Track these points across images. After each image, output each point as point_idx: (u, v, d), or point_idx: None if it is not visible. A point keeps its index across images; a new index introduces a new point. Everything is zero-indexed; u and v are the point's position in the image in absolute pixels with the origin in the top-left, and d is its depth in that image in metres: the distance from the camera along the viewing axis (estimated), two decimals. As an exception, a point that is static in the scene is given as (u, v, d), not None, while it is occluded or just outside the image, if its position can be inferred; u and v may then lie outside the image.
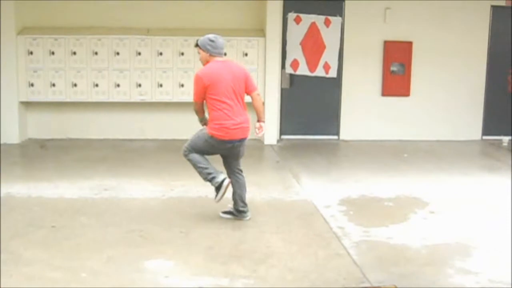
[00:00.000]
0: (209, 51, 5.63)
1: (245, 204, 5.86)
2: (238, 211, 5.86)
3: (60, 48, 9.83)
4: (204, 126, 5.80)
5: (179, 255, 4.92)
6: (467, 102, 10.83)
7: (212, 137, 5.61)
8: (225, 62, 5.75)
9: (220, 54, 5.69)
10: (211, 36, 5.68)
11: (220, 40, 5.70)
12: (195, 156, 5.69)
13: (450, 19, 10.56)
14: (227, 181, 5.64)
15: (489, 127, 10.94)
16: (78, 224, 5.68)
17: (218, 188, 5.64)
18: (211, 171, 5.66)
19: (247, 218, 5.84)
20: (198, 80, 5.59)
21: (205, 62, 5.70)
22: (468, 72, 10.76)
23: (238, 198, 5.83)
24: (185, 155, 5.75)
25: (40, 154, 9.11)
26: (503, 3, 10.62)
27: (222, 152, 5.80)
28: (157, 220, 5.85)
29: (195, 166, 5.72)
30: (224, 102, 5.55)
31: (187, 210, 6.24)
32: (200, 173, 5.72)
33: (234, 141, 5.63)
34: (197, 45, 5.71)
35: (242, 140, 5.70)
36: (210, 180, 5.66)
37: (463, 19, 10.59)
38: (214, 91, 5.54)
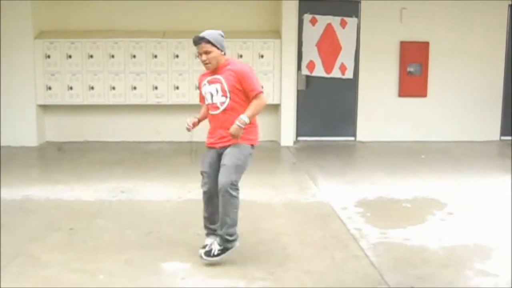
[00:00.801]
0: (224, 49, 4.78)
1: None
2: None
3: (77, 52, 9.91)
4: (237, 140, 4.71)
5: (196, 257, 4.91)
6: (485, 103, 10.74)
7: (254, 147, 4.85)
8: (235, 60, 5.08)
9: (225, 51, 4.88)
10: (219, 31, 4.84)
11: None
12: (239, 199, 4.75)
13: (467, 19, 10.48)
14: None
15: (507, 128, 10.84)
16: (95, 227, 5.70)
17: (225, 250, 4.75)
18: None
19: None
20: (254, 72, 4.85)
21: (217, 63, 4.75)
22: (486, 73, 10.67)
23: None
24: (234, 194, 4.69)
25: (57, 156, 9.18)
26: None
27: None
28: (174, 222, 5.86)
29: (234, 208, 4.73)
30: None
31: (202, 212, 6.23)
32: (234, 222, 4.75)
33: None
34: (208, 41, 4.67)
35: None
36: (233, 240, 4.76)
37: (480, 19, 10.51)
38: None
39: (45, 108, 10.18)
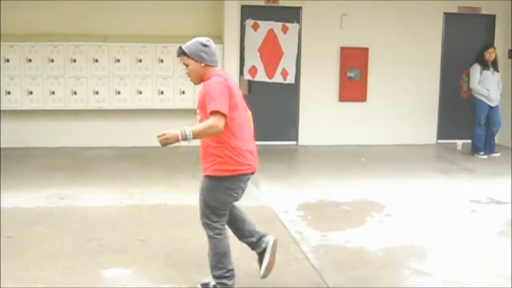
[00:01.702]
0: (203, 60, 4.12)
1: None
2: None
3: (15, 55, 9.69)
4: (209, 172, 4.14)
5: (138, 263, 4.89)
6: (423, 107, 11.05)
7: (223, 179, 4.19)
8: (227, 73, 4.37)
9: (216, 63, 4.19)
10: (202, 39, 4.20)
11: (213, 44, 4.23)
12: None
13: (404, 26, 10.77)
14: None
15: (443, 131, 11.19)
16: (35, 234, 5.59)
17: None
18: None
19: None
20: (222, 86, 4.03)
21: (198, 76, 4.17)
22: (423, 78, 10.98)
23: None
24: (209, 235, 4.34)
25: (-4, 163, 8.95)
26: (455, 10, 10.88)
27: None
28: (115, 228, 5.80)
29: (214, 254, 4.34)
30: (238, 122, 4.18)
31: (145, 217, 6.21)
32: (216, 267, 4.32)
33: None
34: (183, 53, 4.14)
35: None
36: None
37: (418, 26, 10.81)
38: (235, 107, 4.10)
39: (-19, 113, 9.91)
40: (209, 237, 4.26)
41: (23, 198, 6.82)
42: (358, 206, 6.83)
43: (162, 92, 10.03)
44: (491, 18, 11.16)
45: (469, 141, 10.20)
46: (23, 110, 9.87)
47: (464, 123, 10.52)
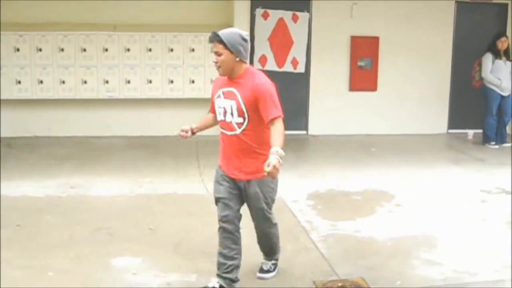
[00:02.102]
0: (240, 54, 3.91)
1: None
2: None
3: (25, 45, 9.68)
4: (258, 178, 4.04)
5: (147, 252, 4.91)
6: (433, 96, 10.96)
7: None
8: (260, 72, 4.15)
9: (247, 61, 4.03)
10: (241, 32, 3.97)
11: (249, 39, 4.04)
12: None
13: (416, 14, 10.66)
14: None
15: (454, 121, 11.10)
16: (43, 223, 5.62)
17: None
18: None
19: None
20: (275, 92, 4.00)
21: (228, 69, 3.96)
22: (434, 67, 10.89)
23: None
24: (273, 224, 4.37)
25: (6, 153, 8.95)
26: (467, -1, 10.81)
27: None
28: (125, 218, 5.82)
29: (276, 238, 4.46)
30: None
31: (155, 207, 6.22)
32: (277, 249, 4.52)
33: None
34: (220, 41, 3.89)
35: None
36: (275, 266, 4.52)
37: (429, 14, 10.70)
38: None
39: (-8, 102, 9.94)
40: (272, 227, 4.32)
41: (32, 187, 6.85)
42: (368, 195, 6.81)
43: (172, 81, 10.02)
44: (503, 7, 11.03)
45: (480, 131, 10.12)
46: (33, 100, 9.88)
47: (475, 113, 10.43)
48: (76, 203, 6.33)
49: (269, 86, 3.97)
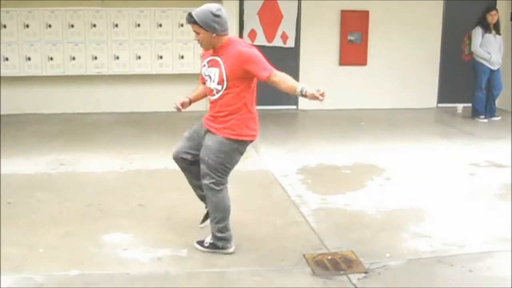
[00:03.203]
0: (216, 30, 4.13)
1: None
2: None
3: (12, 21, 9.57)
4: (219, 135, 4.24)
5: (137, 228, 4.92)
6: (423, 71, 10.95)
7: (245, 143, 4.34)
8: (241, 40, 4.54)
9: (227, 32, 4.22)
10: (213, 7, 4.15)
11: (224, 11, 4.24)
12: (227, 195, 4.39)
13: (405, -12, 10.62)
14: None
15: (444, 95, 11.10)
16: (34, 200, 5.61)
17: (213, 246, 4.45)
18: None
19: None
20: (255, 48, 4.24)
21: (209, 45, 4.21)
22: (424, 41, 10.86)
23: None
24: (217, 190, 4.32)
25: (-6, 130, 8.94)
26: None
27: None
28: (115, 194, 5.83)
29: (222, 210, 4.37)
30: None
31: (145, 182, 6.22)
32: (219, 219, 4.40)
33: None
34: (194, 21, 4.13)
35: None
36: (223, 239, 4.43)
37: (418, -12, 10.66)
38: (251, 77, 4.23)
39: (-21, 80, 9.85)
40: (216, 193, 4.32)
41: (22, 165, 6.82)
42: (358, 169, 6.84)
43: (161, 57, 9.95)
44: (494, -20, 11.01)
45: (470, 104, 10.15)
46: (21, 77, 9.80)
47: (465, 87, 10.44)
48: (66, 180, 6.32)
49: (252, 50, 4.19)
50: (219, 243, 4.42)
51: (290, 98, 10.62)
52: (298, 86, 4.03)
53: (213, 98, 4.29)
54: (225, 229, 4.41)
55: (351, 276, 4.09)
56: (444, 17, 10.89)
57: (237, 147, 4.28)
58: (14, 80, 9.84)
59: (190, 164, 4.49)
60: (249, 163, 6.93)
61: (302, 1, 10.43)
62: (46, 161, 6.98)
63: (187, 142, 4.52)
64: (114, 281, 3.99)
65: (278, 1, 10.36)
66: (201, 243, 4.50)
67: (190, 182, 4.64)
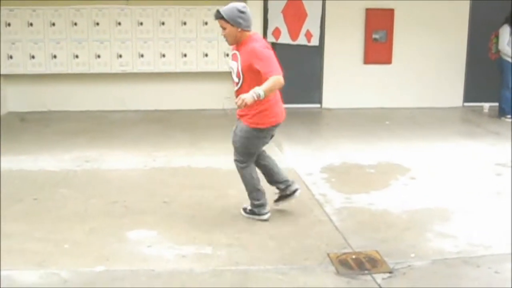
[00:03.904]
0: (241, 25, 4.61)
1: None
2: (286, 195, 5.25)
3: (38, 19, 9.69)
4: (243, 123, 4.82)
5: (162, 225, 4.94)
6: (449, 69, 10.85)
7: (265, 129, 4.85)
8: (261, 38, 4.89)
9: (250, 28, 4.72)
10: (239, 5, 4.66)
11: (248, 10, 4.73)
12: (251, 172, 5.02)
13: (431, -15, 10.52)
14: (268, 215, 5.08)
15: (470, 94, 10.98)
16: (59, 196, 5.67)
17: (252, 212, 5.09)
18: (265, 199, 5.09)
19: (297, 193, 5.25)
20: (270, 50, 4.71)
21: (234, 39, 4.69)
22: (450, 39, 10.75)
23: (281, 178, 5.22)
24: (241, 167, 4.98)
25: (20, 127, 9.04)
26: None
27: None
28: (139, 191, 5.86)
29: (247, 183, 5.04)
30: None
31: (169, 180, 6.24)
32: (250, 190, 5.05)
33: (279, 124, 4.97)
34: (221, 17, 4.62)
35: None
36: (259, 206, 5.05)
37: (445, -15, 10.56)
38: None
39: (6, 77, 9.96)
40: (241, 169, 5.00)
41: (47, 161, 6.90)
42: (382, 169, 6.79)
43: (185, 55, 9.99)
44: (522, -22, 10.85)
45: (496, 104, 10.02)
46: (47, 74, 9.91)
47: (491, 86, 10.31)
48: (91, 176, 6.37)
49: (262, 48, 4.62)
50: (255, 209, 5.03)
51: (314, 96, 10.63)
52: (261, 88, 4.45)
53: (235, 89, 4.80)
54: (256, 197, 5.01)
55: (375, 275, 4.06)
56: (470, 14, 10.76)
57: (257, 134, 4.82)
58: (40, 77, 9.96)
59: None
60: (272, 161, 6.93)
61: (326, 0, 10.38)
62: (71, 158, 7.05)
63: None
64: (139, 278, 4.01)
65: (303, 0, 10.33)
66: (244, 209, 5.12)
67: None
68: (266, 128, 4.83)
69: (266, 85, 4.44)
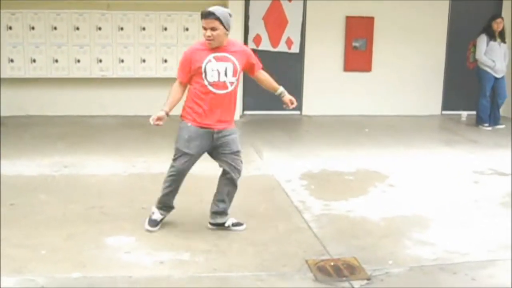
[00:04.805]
0: (229, 29, 4.67)
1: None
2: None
3: (18, 23, 9.60)
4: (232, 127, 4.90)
5: (140, 231, 4.92)
6: (428, 78, 10.95)
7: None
8: (236, 41, 5.13)
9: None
10: (228, 10, 4.73)
11: None
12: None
13: (411, -5, 10.62)
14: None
15: (448, 102, 11.11)
16: (37, 202, 5.61)
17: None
18: None
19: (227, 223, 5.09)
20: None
21: (220, 42, 4.65)
22: (429, 48, 10.87)
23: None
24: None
25: (-1, 131, 8.95)
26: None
27: None
28: (118, 197, 5.82)
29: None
30: None
31: (148, 186, 6.20)
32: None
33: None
34: (217, 18, 4.53)
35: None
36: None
37: (424, -5, 10.67)
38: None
39: (-16, 81, 9.88)
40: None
41: (25, 166, 6.83)
42: (361, 176, 6.83)
43: (165, 61, 9.97)
44: (499, -12, 11.01)
45: (474, 112, 10.14)
46: (26, 78, 9.82)
47: (469, 94, 10.44)
48: (69, 182, 6.33)
49: (249, 49, 4.98)
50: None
51: (294, 103, 10.63)
52: (279, 88, 5.03)
53: (225, 91, 4.70)
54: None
55: (353, 282, 4.08)
56: (449, 24, 10.90)
57: None
58: (19, 81, 9.86)
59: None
60: (252, 168, 6.95)
61: (307, 6, 10.44)
62: (49, 163, 6.99)
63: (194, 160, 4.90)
64: (117, 284, 3.99)
65: (284, 6, 10.38)
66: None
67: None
68: None
69: (275, 82, 5.09)
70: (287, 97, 4.99)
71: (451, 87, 11.04)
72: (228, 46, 4.71)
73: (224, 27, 4.56)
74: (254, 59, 4.90)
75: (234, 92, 4.77)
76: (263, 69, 5.02)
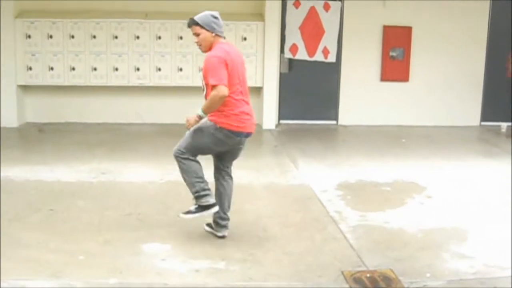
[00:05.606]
0: (215, 30, 4.69)
1: (226, 217, 5.01)
2: (215, 223, 5.03)
3: (58, 32, 9.78)
4: (206, 120, 4.76)
5: (176, 239, 4.94)
6: (466, 88, 10.80)
7: (222, 129, 4.70)
8: (231, 45, 4.96)
9: (223, 34, 4.81)
10: (213, 12, 4.78)
11: (220, 17, 4.82)
12: (192, 164, 4.81)
13: (449, 4, 10.49)
14: (216, 208, 4.82)
15: (487, 113, 10.93)
16: (75, 208, 5.69)
17: (203, 208, 4.79)
18: (207, 186, 4.82)
19: (220, 234, 4.98)
20: (220, 61, 4.60)
21: (208, 45, 4.72)
22: (467, 58, 10.73)
23: (220, 209, 4.92)
24: (179, 158, 4.85)
25: (38, 137, 9.12)
26: (503, -12, 10.58)
27: (224, 149, 4.88)
28: (154, 204, 5.87)
29: (189, 175, 4.81)
30: (238, 89, 4.76)
31: (184, 193, 6.18)
32: (192, 184, 4.80)
33: (244, 133, 4.79)
34: (196, 23, 4.69)
35: (249, 134, 4.87)
36: (202, 197, 4.76)
37: (463, 3, 10.52)
38: (232, 76, 4.67)
39: (25, 88, 10.07)
40: (179, 162, 4.92)
41: (64, 172, 6.95)
42: (398, 187, 6.75)
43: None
44: (541, -3, 10.81)
45: (514, 123, 9.97)
46: (66, 86, 10.00)
47: (509, 105, 10.26)
48: (106, 188, 6.40)
49: (212, 58, 4.65)
50: (200, 200, 4.82)
51: (331, 113, 10.62)
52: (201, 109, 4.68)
53: (204, 94, 4.86)
54: (198, 189, 4.86)
55: (390, 294, 4.03)
56: (489, 33, 10.74)
57: (214, 131, 4.78)
58: (59, 89, 10.05)
59: None
60: (288, 178, 6.94)
61: (344, 16, 10.41)
62: (87, 169, 7.09)
63: None
64: (152, 291, 4.01)
65: (320, 15, 10.36)
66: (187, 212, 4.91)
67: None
68: (226, 129, 4.71)
69: (205, 105, 4.65)
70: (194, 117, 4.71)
71: (490, 97, 10.86)
72: (212, 51, 4.72)
73: (206, 29, 4.67)
74: (206, 74, 4.64)
75: (208, 95, 4.69)
76: (215, 87, 4.57)
